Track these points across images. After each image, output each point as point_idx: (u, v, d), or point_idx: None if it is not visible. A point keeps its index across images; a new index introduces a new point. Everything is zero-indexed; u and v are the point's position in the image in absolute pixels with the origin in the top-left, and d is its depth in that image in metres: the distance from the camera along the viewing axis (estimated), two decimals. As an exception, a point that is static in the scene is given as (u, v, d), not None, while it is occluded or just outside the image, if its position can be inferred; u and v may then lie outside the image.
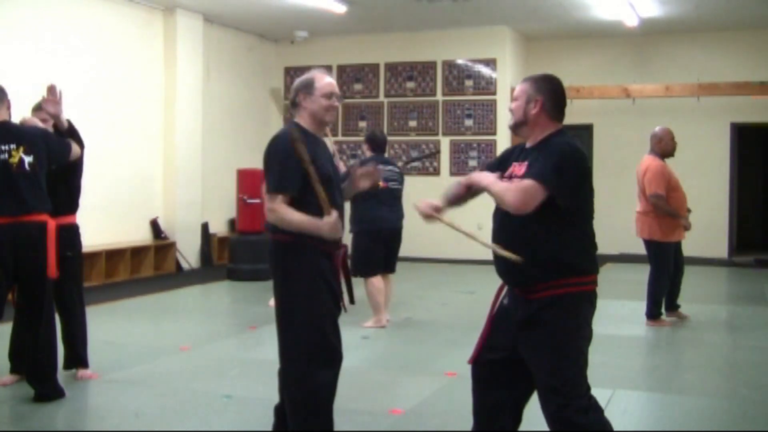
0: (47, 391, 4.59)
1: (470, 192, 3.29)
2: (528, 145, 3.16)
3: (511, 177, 3.09)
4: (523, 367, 3.07)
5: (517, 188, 2.95)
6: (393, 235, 6.88)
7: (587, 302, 3.06)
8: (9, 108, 4.71)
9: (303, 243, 3.35)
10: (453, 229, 3.24)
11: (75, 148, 4.85)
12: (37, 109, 5.03)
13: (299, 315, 3.35)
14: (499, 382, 3.16)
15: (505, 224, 3.08)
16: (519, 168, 3.08)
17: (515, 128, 3.19)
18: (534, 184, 2.93)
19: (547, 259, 2.97)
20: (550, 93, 3.12)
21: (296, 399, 3.37)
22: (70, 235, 5.01)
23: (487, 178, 3.13)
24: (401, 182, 6.91)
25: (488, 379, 3.19)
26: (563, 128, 3.15)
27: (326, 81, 3.49)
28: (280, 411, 3.56)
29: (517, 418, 3.22)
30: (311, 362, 3.33)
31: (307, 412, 3.35)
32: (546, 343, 2.98)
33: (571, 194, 2.98)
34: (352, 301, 3.71)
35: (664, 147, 6.93)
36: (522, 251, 2.97)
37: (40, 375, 4.60)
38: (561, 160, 2.98)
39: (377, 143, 6.90)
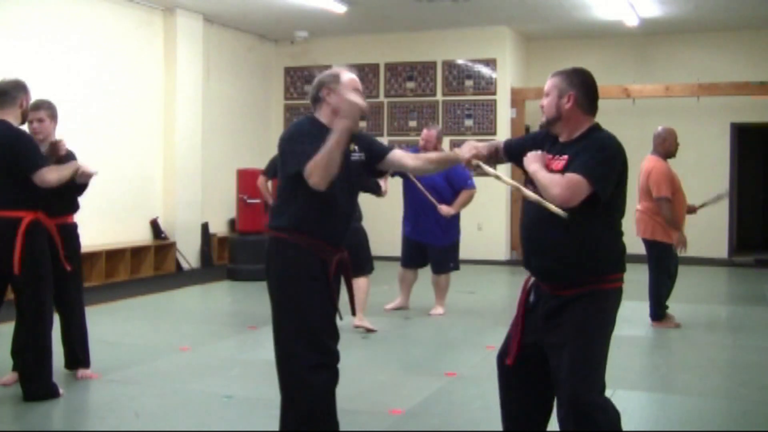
0: (34, 390, 4.57)
1: (499, 157, 3.33)
2: (562, 139, 3.11)
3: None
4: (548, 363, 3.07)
5: (566, 182, 2.90)
6: (354, 235, 6.70)
7: (614, 299, 3.04)
8: (23, 106, 4.66)
9: (299, 243, 3.25)
10: (497, 179, 3.18)
11: (45, 175, 4.54)
12: (36, 108, 4.99)
13: (291, 313, 3.25)
14: (524, 383, 3.15)
15: (537, 223, 3.04)
16: (557, 163, 3.03)
17: (549, 125, 3.12)
18: (581, 180, 2.89)
19: (582, 261, 2.97)
20: (582, 86, 3.06)
21: (288, 400, 3.26)
22: (65, 234, 4.99)
23: (534, 163, 3.06)
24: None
25: (517, 377, 3.18)
26: (598, 124, 3.10)
27: (352, 78, 3.41)
28: None
29: (547, 416, 3.21)
30: (304, 363, 3.20)
31: (299, 415, 3.22)
32: (569, 337, 2.95)
33: (612, 190, 2.96)
34: (353, 312, 3.72)
35: (668, 147, 6.90)
36: (555, 252, 2.98)
37: (26, 374, 4.60)
38: (607, 156, 2.96)
39: None
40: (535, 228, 3.07)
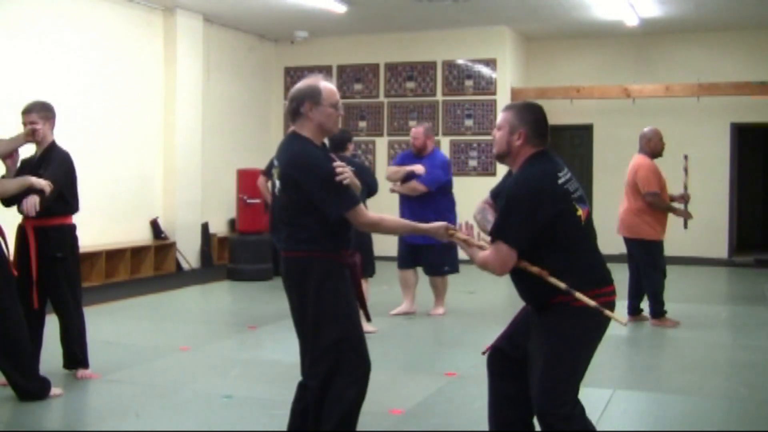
0: (21, 389, 4.55)
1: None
2: (513, 171, 3.19)
3: None
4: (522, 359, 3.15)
5: (494, 256, 3.02)
6: None
7: (587, 316, 3.00)
8: None
9: (326, 257, 3.29)
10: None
11: None
12: (27, 112, 4.96)
13: (334, 333, 3.26)
14: (513, 376, 3.20)
15: None
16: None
17: (499, 158, 3.20)
18: (503, 247, 2.99)
19: (536, 284, 3.02)
20: (533, 123, 3.11)
21: (334, 418, 3.28)
22: (60, 235, 4.98)
23: (473, 251, 3.17)
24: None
25: (502, 372, 3.25)
26: (538, 152, 3.10)
27: (331, 89, 3.37)
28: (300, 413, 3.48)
29: (531, 412, 3.22)
30: (350, 379, 3.28)
31: (345, 429, 3.32)
32: (542, 348, 3.01)
33: (532, 233, 2.98)
34: (368, 318, 3.72)
35: (654, 147, 6.94)
36: (523, 276, 3.06)
37: (7, 376, 4.59)
38: (510, 206, 3.01)
39: (333, 143, 6.84)
40: None
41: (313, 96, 3.31)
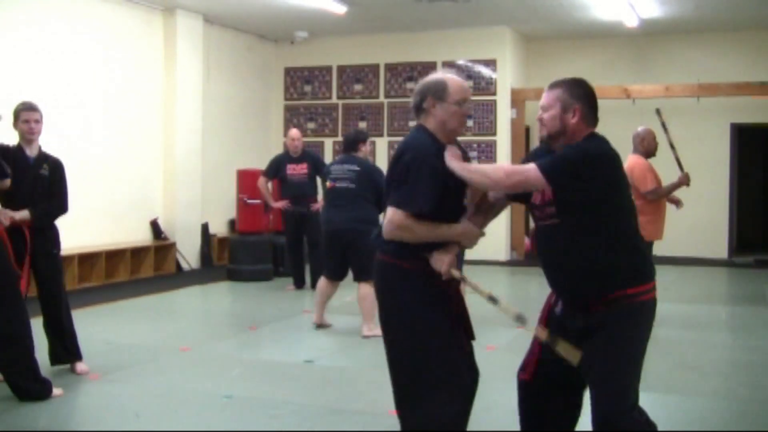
0: (18, 388, 4.56)
1: (487, 208, 3.15)
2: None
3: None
4: (574, 373, 2.95)
5: (510, 168, 2.80)
6: (340, 237, 6.47)
7: (649, 312, 2.91)
8: None
9: (408, 266, 3.01)
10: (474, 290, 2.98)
11: None
12: (34, 109, 5.05)
13: (415, 345, 3.00)
14: (548, 395, 3.04)
15: (552, 239, 2.95)
16: None
17: (551, 139, 2.96)
18: (532, 168, 2.77)
19: (602, 271, 2.87)
20: (585, 98, 2.93)
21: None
22: (54, 233, 5.15)
23: (455, 162, 2.86)
24: (357, 182, 6.51)
25: (543, 392, 3.06)
26: (594, 132, 2.96)
27: (460, 85, 3.06)
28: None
29: (577, 414, 3.12)
30: (433, 397, 2.97)
31: None
32: (607, 348, 2.84)
33: (577, 195, 2.82)
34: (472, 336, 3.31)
35: (647, 146, 6.94)
36: (575, 266, 2.89)
37: (5, 373, 4.61)
38: (570, 153, 2.82)
39: (345, 143, 6.81)
40: (547, 250, 3.00)
41: (437, 91, 3.03)
